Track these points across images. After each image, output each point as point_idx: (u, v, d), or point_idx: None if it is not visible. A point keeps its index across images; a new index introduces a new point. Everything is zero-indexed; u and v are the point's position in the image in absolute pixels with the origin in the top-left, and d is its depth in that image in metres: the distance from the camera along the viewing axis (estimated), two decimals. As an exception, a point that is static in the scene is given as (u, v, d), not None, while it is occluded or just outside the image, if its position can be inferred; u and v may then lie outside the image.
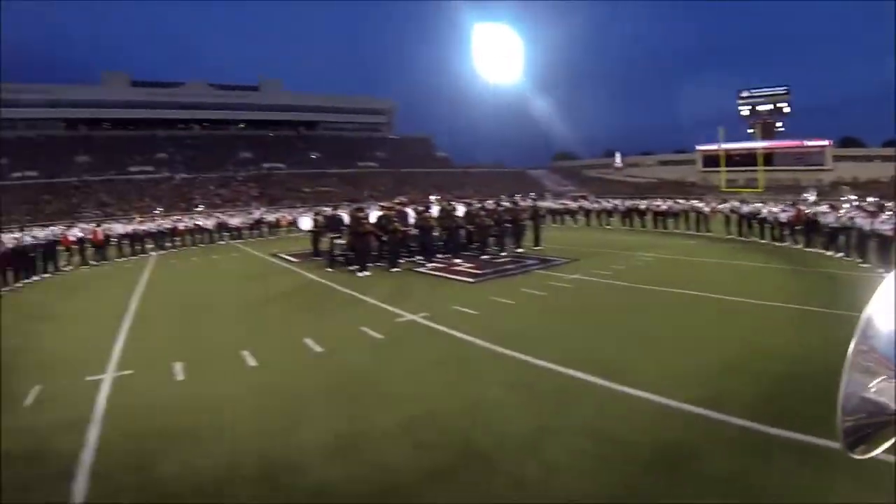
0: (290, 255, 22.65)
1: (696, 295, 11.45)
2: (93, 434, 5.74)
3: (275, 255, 23.22)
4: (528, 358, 7.39)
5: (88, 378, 7.50)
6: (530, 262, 17.39)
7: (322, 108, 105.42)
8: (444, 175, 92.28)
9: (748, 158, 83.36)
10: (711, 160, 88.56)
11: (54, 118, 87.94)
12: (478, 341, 8.32)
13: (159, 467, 4.96)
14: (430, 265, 17.00)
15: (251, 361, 8.01)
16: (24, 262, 17.80)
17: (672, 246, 21.40)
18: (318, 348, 8.46)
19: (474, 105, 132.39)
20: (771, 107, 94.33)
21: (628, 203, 35.51)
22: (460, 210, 19.48)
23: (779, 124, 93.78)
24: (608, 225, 32.15)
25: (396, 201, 23.97)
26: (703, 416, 5.37)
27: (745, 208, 23.91)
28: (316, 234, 20.91)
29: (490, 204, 22.06)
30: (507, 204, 21.91)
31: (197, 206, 54.96)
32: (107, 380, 7.44)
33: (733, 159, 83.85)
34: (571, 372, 6.75)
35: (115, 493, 4.57)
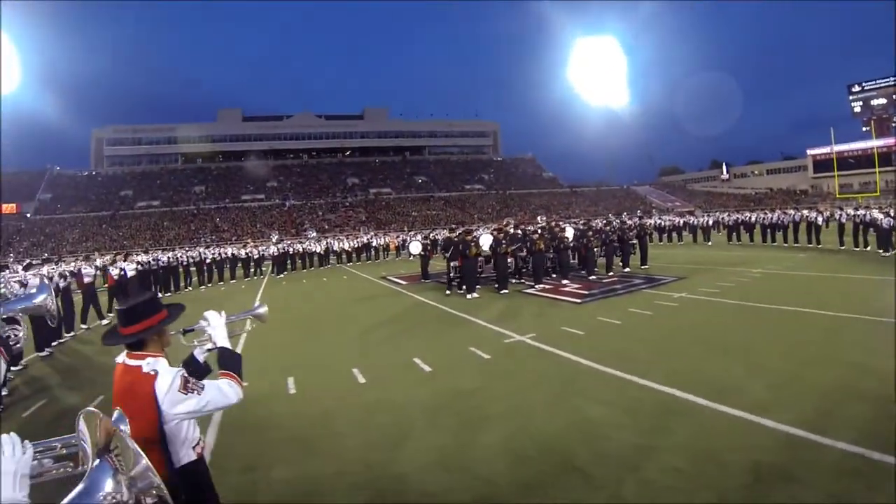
0: (399, 278, 23.37)
1: (804, 312, 11.12)
2: (210, 437, 6.31)
3: (384, 278, 24.01)
4: (632, 377, 7.44)
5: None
6: (637, 281, 17.29)
7: (427, 132, 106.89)
8: (549, 195, 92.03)
9: (863, 159, 79.39)
10: (823, 165, 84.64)
11: (174, 153, 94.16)
12: (583, 361, 8.42)
13: (271, 471, 5.43)
14: (538, 287, 17.07)
15: (361, 379, 8.38)
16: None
17: (780, 260, 20.86)
18: (426, 367, 8.74)
19: (577, 122, 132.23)
20: (885, 100, 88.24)
21: (734, 216, 34.63)
22: (569, 231, 19.49)
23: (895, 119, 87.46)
24: (709, 241, 31.51)
25: (505, 223, 24.16)
26: (805, 438, 5.27)
27: (859, 215, 22.93)
28: (425, 257, 21.41)
29: (597, 223, 22.00)
30: (614, 223, 21.79)
31: (307, 231, 56.68)
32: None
33: (847, 162, 79.90)
34: (674, 391, 6.76)
35: (226, 490, 4.36)
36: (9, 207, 70.65)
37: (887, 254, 19.98)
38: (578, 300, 14.38)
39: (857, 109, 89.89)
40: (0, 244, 57.30)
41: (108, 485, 1.65)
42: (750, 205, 76.73)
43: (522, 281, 18.83)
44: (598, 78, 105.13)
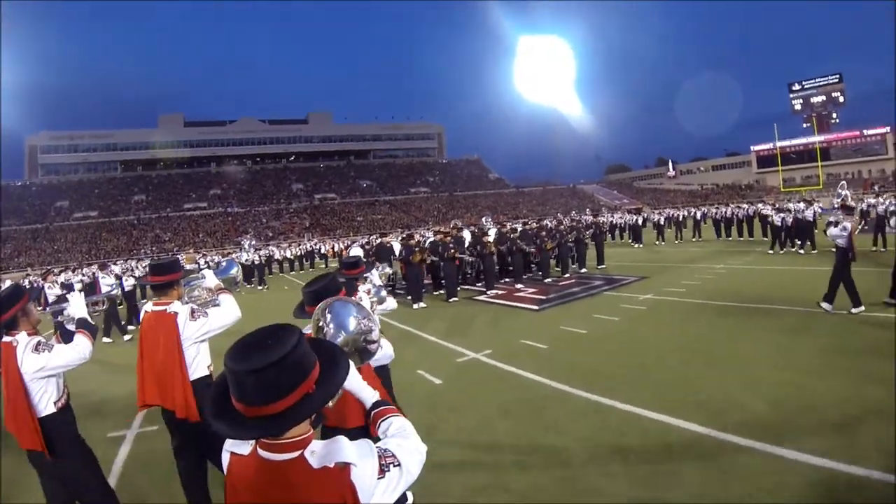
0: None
1: (777, 309, 10.35)
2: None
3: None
4: (611, 401, 6.26)
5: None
6: (597, 282, 16.25)
7: (371, 136, 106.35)
8: (496, 196, 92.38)
9: (804, 154, 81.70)
10: (766, 160, 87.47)
11: (112, 160, 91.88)
12: (550, 382, 7.20)
13: None
14: (490, 293, 15.89)
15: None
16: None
17: (741, 254, 20.34)
18: None
19: (522, 123, 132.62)
20: (824, 97, 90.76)
21: (685, 212, 34.26)
22: (518, 231, 18.29)
23: (834, 115, 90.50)
24: (662, 240, 30.00)
25: (452, 226, 23.04)
26: (835, 470, 4.29)
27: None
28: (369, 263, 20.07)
29: (550, 223, 20.96)
30: (566, 222, 20.79)
31: (241, 239, 54.97)
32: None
33: (789, 157, 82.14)
34: (666, 418, 5.62)
35: None
36: None
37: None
38: (536, 307, 13.15)
39: (798, 107, 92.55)
40: None
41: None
42: (697, 200, 77.62)
43: (472, 287, 17.64)
44: (543, 77, 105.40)
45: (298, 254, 39.35)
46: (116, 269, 19.51)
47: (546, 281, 17.19)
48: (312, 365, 1.74)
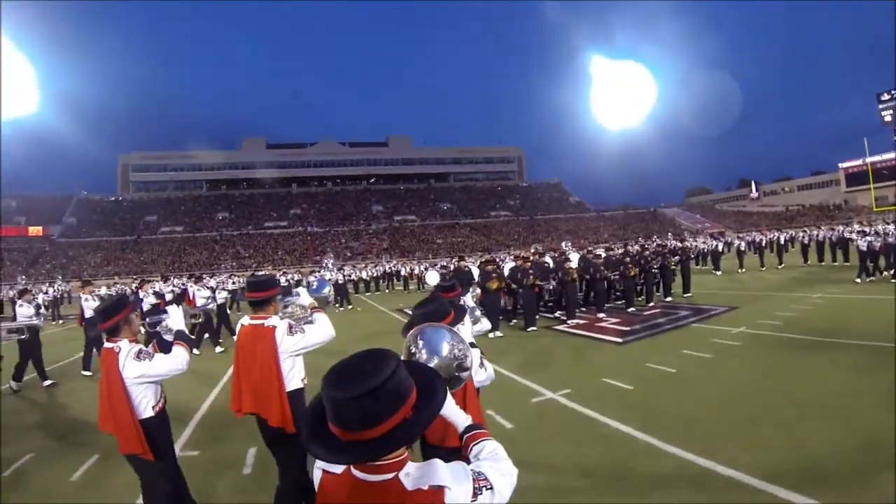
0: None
1: (889, 347, 9.18)
2: None
3: (400, 310, 21.87)
4: (712, 464, 5.35)
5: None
6: (684, 313, 15.21)
7: (451, 159, 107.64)
8: (577, 220, 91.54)
9: None
10: (856, 178, 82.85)
11: (198, 179, 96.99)
12: (638, 435, 6.34)
13: None
14: (571, 322, 15.06)
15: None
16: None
17: (837, 281, 18.90)
18: None
19: (602, 145, 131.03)
20: None
21: (769, 236, 32.42)
22: (602, 257, 17.46)
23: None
24: (739, 269, 27.87)
25: (532, 251, 22.29)
26: None
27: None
28: (442, 289, 19.43)
29: (634, 248, 19.97)
30: (651, 247, 19.75)
31: (323, 259, 55.39)
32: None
33: (881, 173, 76.91)
34: (785, 494, 4.67)
35: None
36: (35, 230, 73.93)
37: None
38: (619, 339, 12.25)
39: (888, 118, 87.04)
40: (26, 265, 61.39)
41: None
42: (782, 223, 74.86)
43: (553, 315, 16.75)
44: (621, 100, 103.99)
45: (375, 275, 39.04)
46: (211, 282, 19.58)
47: (630, 310, 16.24)
48: (410, 390, 1.75)
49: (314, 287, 5.60)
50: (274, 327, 4.43)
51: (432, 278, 21.12)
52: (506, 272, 16.24)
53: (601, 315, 15.68)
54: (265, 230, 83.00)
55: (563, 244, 22.94)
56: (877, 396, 6.83)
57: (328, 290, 5.85)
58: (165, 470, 4.28)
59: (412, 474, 1.72)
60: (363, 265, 47.49)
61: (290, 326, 4.48)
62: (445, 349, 2.37)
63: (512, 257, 19.40)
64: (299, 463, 4.46)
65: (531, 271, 15.12)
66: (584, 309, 17.17)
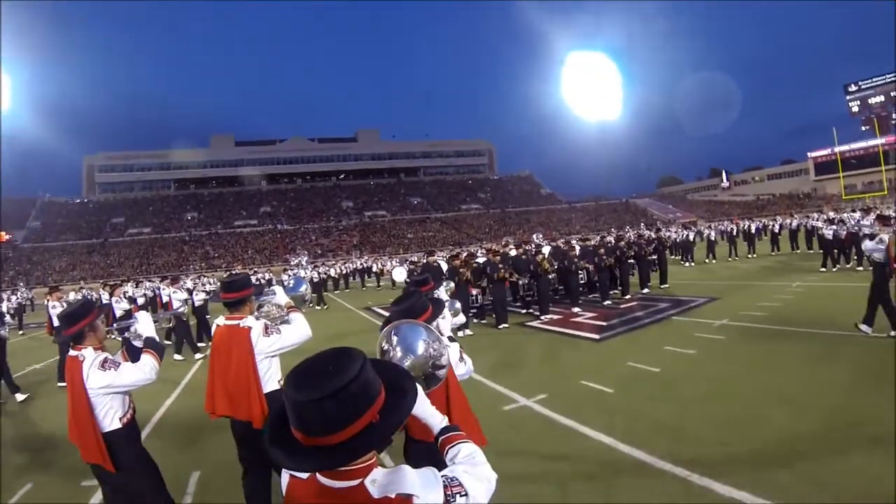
0: (384, 309, 20.40)
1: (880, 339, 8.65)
2: None
3: (368, 309, 21.11)
4: (705, 481, 4.66)
5: None
6: (663, 305, 14.59)
7: (420, 153, 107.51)
8: (548, 212, 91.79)
9: (865, 159, 78.25)
10: (825, 167, 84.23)
11: (166, 179, 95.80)
12: (621, 446, 5.61)
13: None
14: (544, 318, 14.32)
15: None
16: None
17: (810, 270, 18.45)
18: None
19: (573, 137, 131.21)
20: (883, 98, 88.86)
21: (741, 225, 31.94)
22: (575, 248, 16.70)
23: (895, 116, 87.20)
24: (707, 258, 26.80)
25: (503, 243, 21.61)
26: None
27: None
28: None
29: (608, 239, 19.33)
30: (627, 237, 19.13)
31: (294, 256, 54.58)
32: None
33: (849, 162, 78.68)
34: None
35: None
36: None
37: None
38: (597, 335, 11.52)
39: (855, 109, 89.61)
40: None
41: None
42: (753, 212, 75.47)
43: (525, 311, 16.05)
44: (592, 91, 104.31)
45: (345, 272, 38.19)
46: (188, 283, 19.11)
47: (605, 304, 15.60)
48: (377, 392, 1.63)
49: (290, 286, 5.58)
50: (249, 328, 4.37)
51: (399, 274, 20.29)
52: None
53: (576, 309, 15.01)
54: (235, 229, 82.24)
55: (535, 236, 22.19)
56: (883, 394, 6.17)
57: (305, 289, 5.79)
58: (128, 483, 4.03)
59: (379, 481, 1.61)
60: (333, 262, 46.59)
61: (266, 327, 4.41)
62: (420, 346, 2.28)
63: (483, 251, 18.63)
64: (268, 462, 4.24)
65: (501, 265, 14.37)
66: (558, 302, 16.51)
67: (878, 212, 16.51)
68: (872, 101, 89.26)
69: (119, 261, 67.79)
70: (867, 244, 9.64)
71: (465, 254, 19.90)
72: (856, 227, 17.68)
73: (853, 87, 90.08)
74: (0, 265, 62.72)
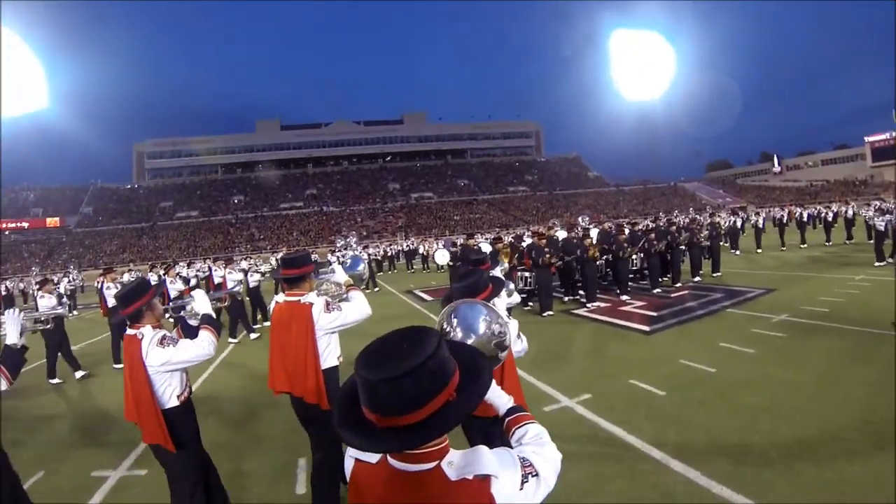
0: (427, 293, 19.99)
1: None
2: None
3: (409, 293, 20.62)
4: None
5: None
6: (716, 295, 13.75)
7: (467, 135, 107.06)
8: (595, 195, 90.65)
9: None
10: (883, 152, 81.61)
11: (213, 164, 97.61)
12: (673, 464, 4.94)
13: None
14: (591, 305, 13.69)
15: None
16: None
17: (869, 262, 16.93)
18: None
19: (621, 119, 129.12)
20: None
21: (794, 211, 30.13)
22: (625, 233, 15.85)
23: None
24: (757, 249, 24.77)
25: (549, 226, 20.84)
26: None
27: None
28: (454, 267, 18.04)
29: (660, 223, 18.46)
30: (680, 222, 18.25)
31: (340, 238, 54.36)
32: None
33: None
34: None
35: None
36: (53, 221, 75.17)
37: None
38: (647, 327, 10.81)
39: None
40: (43, 257, 63.08)
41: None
42: (805, 199, 73.11)
43: (571, 297, 15.33)
44: (642, 73, 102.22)
45: (389, 254, 37.79)
46: (243, 263, 18.65)
47: (655, 292, 14.86)
48: (453, 371, 1.60)
49: (349, 264, 5.48)
50: (311, 304, 4.36)
51: (442, 257, 19.70)
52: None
53: (624, 297, 14.28)
54: (280, 211, 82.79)
55: (580, 218, 21.24)
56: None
57: (363, 268, 5.69)
58: (189, 460, 4.08)
59: (455, 463, 1.58)
60: (377, 244, 46.25)
61: (328, 303, 4.41)
62: (482, 326, 2.23)
63: (529, 234, 17.92)
64: (335, 440, 4.32)
65: (547, 249, 13.68)
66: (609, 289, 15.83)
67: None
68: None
69: (167, 243, 68.91)
70: None
71: (510, 237, 19.21)
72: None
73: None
74: (53, 250, 65.82)
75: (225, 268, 15.50)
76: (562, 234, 16.19)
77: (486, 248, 15.52)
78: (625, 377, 7.66)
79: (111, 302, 12.44)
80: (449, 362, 1.57)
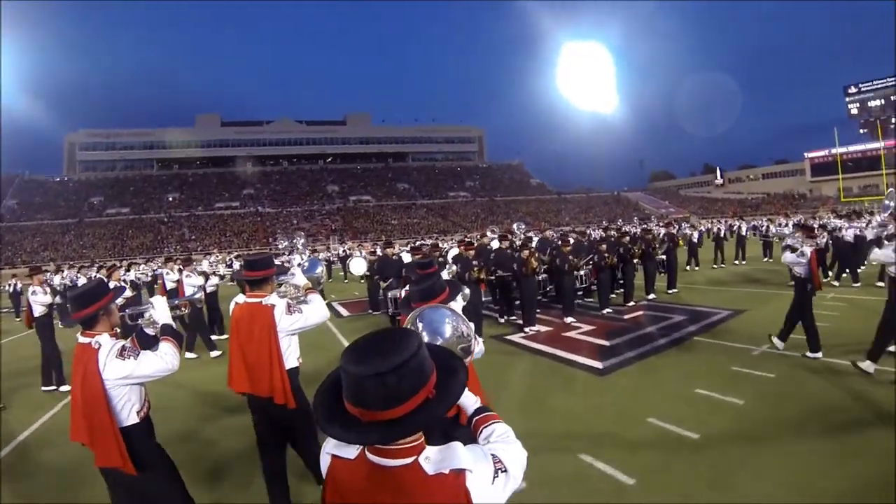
0: (344, 305, 17.89)
1: None
2: None
3: (328, 305, 18.14)
4: None
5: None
6: (677, 317, 11.76)
7: (410, 138, 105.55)
8: (537, 202, 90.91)
9: (863, 162, 78.17)
10: (822, 168, 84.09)
11: (149, 158, 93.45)
12: None
13: None
14: (529, 329, 11.46)
15: None
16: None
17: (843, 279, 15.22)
18: None
19: (565, 127, 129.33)
20: (883, 101, 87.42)
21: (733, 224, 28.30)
22: (570, 243, 13.59)
23: (894, 120, 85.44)
24: (687, 265, 20.67)
25: (482, 233, 18.66)
26: None
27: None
28: (374, 279, 15.70)
29: (611, 232, 16.50)
30: (633, 232, 16.25)
31: (282, 238, 52.20)
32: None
33: (846, 165, 78.27)
34: None
35: None
36: None
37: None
38: (599, 363, 8.57)
39: (854, 111, 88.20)
40: None
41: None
42: (748, 210, 74.32)
43: (507, 319, 13.11)
44: (587, 82, 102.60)
45: (329, 259, 35.47)
46: (204, 265, 15.95)
47: (605, 312, 12.73)
48: (432, 370, 1.66)
49: (306, 267, 5.53)
50: (273, 305, 4.36)
51: (358, 267, 17.12)
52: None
53: (569, 320, 12.07)
54: (215, 211, 79.54)
55: (516, 226, 18.80)
56: None
57: (321, 270, 5.84)
58: (159, 482, 3.65)
59: (432, 458, 1.62)
60: (312, 247, 43.95)
61: (289, 305, 4.42)
62: (448, 330, 2.34)
63: (456, 243, 15.79)
64: (314, 431, 4.48)
65: (475, 262, 11.44)
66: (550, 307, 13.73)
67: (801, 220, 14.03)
68: (872, 104, 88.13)
69: (92, 242, 65.12)
70: (787, 256, 8.60)
71: (482, 236, 16.93)
72: (840, 234, 15.77)
73: (853, 90, 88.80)
74: None
75: (181, 271, 13.21)
76: (496, 244, 14.04)
77: (407, 257, 13.36)
78: (574, 449, 5.42)
79: (38, 310, 10.38)
80: (429, 362, 1.61)
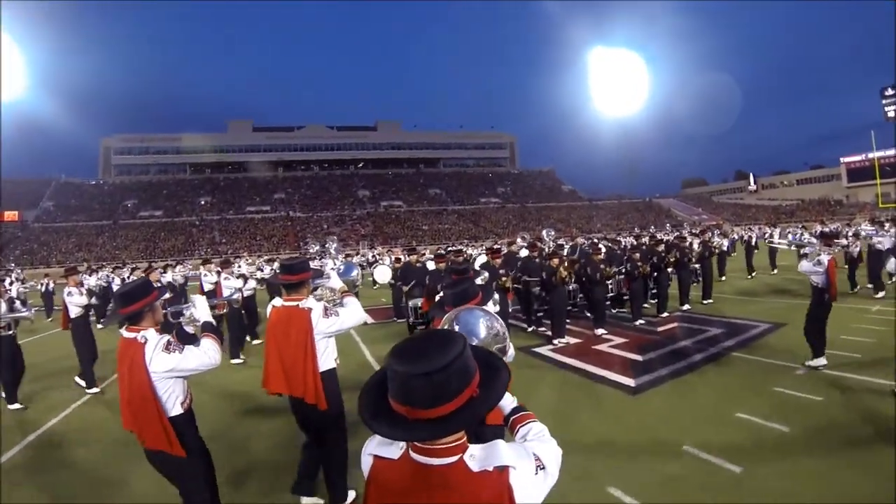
0: (369, 312, 17.13)
1: None
2: None
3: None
4: None
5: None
6: (713, 331, 11.19)
7: (441, 144, 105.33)
8: (568, 209, 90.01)
9: None
10: (858, 173, 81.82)
11: (181, 163, 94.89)
12: None
13: None
14: (558, 342, 10.97)
15: None
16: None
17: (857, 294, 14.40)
18: None
19: (597, 134, 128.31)
20: None
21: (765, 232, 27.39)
22: (602, 251, 13.15)
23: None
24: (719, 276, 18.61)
25: (511, 241, 18.15)
26: None
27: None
28: (397, 287, 15.26)
29: (644, 240, 15.92)
30: (666, 240, 15.68)
31: (312, 242, 51.96)
32: None
33: (883, 170, 74.56)
34: None
35: None
36: (10, 215, 71.11)
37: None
38: (631, 381, 8.07)
39: (891, 114, 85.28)
40: None
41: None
42: (782, 217, 72.67)
43: (536, 329, 12.59)
44: (618, 89, 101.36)
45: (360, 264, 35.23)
46: (243, 268, 16.02)
47: (638, 324, 12.19)
48: (475, 370, 1.69)
49: (342, 270, 5.73)
50: (310, 309, 4.49)
51: (382, 275, 16.70)
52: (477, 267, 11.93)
53: (600, 332, 11.56)
54: (246, 214, 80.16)
55: (545, 232, 18.27)
56: None
57: (356, 274, 6.00)
58: (199, 466, 3.87)
59: (477, 456, 1.65)
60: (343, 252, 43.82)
61: (326, 309, 4.51)
62: (483, 330, 2.41)
63: (484, 250, 15.32)
64: (343, 436, 4.72)
65: (503, 270, 10.96)
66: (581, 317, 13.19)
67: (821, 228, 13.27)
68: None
69: (125, 243, 66.26)
70: (803, 265, 8.41)
71: (510, 243, 16.49)
72: (872, 241, 14.84)
73: (890, 91, 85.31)
74: (7, 244, 62.27)
75: (220, 273, 13.12)
76: (525, 253, 13.56)
77: (431, 265, 12.93)
78: (602, 480, 4.93)
79: (74, 311, 10.29)
80: (473, 362, 1.65)
